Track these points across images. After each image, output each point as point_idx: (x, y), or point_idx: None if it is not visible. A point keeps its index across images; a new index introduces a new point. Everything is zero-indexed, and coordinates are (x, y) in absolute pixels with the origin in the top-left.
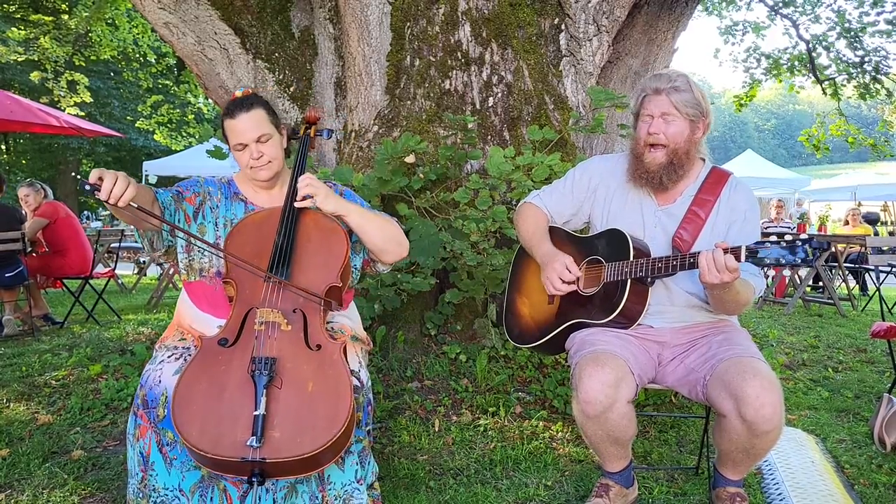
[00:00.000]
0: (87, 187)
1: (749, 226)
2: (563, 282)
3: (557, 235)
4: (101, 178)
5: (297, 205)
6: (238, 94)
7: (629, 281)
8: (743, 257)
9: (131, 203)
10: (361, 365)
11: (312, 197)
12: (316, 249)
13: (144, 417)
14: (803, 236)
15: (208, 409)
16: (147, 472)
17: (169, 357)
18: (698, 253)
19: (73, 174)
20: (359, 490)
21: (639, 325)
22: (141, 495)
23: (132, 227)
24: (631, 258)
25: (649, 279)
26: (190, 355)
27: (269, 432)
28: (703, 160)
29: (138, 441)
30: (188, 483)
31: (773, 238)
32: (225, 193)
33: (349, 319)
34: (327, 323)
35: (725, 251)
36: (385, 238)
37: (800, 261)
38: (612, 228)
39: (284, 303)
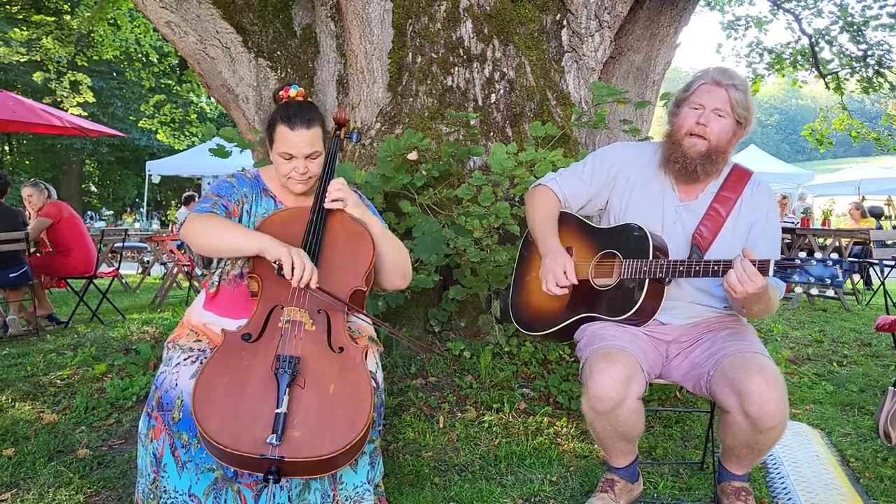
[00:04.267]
0: (282, 272)
1: (771, 226)
2: (559, 286)
3: (570, 224)
4: (293, 266)
5: (326, 205)
6: (292, 92)
7: (647, 280)
8: (771, 272)
9: (315, 284)
10: (378, 367)
11: (342, 200)
12: (343, 252)
13: (159, 419)
14: (834, 256)
15: (229, 404)
16: (159, 474)
17: (185, 360)
18: (723, 262)
19: (274, 262)
20: (369, 492)
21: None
22: (152, 496)
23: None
24: (650, 257)
25: (668, 279)
26: (206, 357)
27: (290, 431)
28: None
29: (151, 442)
30: (202, 485)
31: (804, 255)
32: (254, 189)
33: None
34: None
35: (753, 263)
36: (394, 264)
37: (829, 280)
38: (631, 223)
39: (311, 302)
